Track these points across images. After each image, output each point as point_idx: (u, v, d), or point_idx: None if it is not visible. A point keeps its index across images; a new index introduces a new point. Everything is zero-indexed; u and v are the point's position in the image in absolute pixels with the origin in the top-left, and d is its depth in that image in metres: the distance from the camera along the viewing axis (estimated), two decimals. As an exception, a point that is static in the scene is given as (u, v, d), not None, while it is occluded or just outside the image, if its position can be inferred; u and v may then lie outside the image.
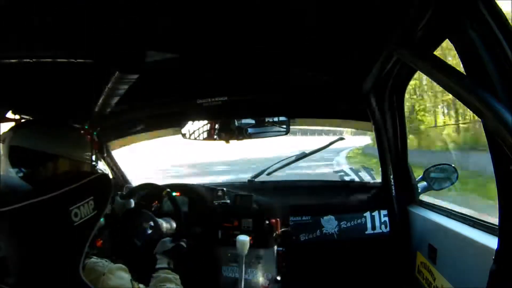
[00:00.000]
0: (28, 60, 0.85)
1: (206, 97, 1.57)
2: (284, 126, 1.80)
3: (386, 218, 1.63)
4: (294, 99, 1.65)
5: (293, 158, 2.03)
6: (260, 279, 1.72)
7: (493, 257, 0.71)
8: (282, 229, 1.68)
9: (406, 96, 1.43)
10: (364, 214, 1.66)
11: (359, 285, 1.76)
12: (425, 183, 1.55)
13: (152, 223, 1.47)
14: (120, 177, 2.11)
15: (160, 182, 1.73)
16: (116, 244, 1.45)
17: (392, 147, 1.48)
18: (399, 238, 1.54)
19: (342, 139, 2.17)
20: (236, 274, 1.69)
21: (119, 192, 1.52)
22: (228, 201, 1.75)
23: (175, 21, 0.83)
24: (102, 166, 1.86)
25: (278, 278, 1.69)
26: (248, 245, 1.50)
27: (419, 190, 1.53)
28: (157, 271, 1.13)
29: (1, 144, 0.80)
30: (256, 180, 2.01)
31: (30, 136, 0.81)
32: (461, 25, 0.63)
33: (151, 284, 1.05)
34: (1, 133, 0.83)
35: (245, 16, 0.97)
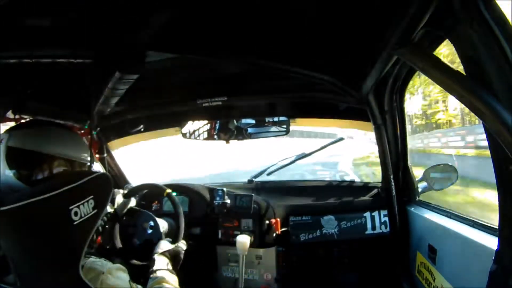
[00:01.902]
0: (28, 60, 0.85)
1: (206, 97, 1.57)
2: (284, 126, 1.80)
3: (386, 218, 1.63)
4: (294, 99, 1.65)
5: (293, 158, 2.03)
6: (260, 279, 1.72)
7: (493, 257, 0.71)
8: (282, 229, 1.68)
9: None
10: (364, 214, 1.66)
11: (359, 285, 1.76)
12: (425, 183, 1.55)
13: (152, 223, 1.47)
14: (120, 177, 2.11)
15: (160, 181, 1.73)
16: (115, 242, 1.45)
17: (392, 147, 1.48)
18: (399, 238, 1.53)
19: (342, 139, 2.17)
20: (236, 274, 1.69)
21: (121, 191, 1.52)
22: (228, 201, 1.75)
23: (175, 20, 0.83)
24: (99, 166, 1.86)
25: (278, 278, 1.70)
26: (248, 245, 1.50)
27: (419, 190, 1.53)
28: (155, 272, 1.13)
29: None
30: (256, 180, 2.01)
31: (26, 137, 0.81)
32: (461, 25, 0.62)
33: (148, 285, 1.05)
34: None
35: (246, 16, 0.97)
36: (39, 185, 0.77)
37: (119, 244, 1.45)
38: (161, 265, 1.18)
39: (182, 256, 1.30)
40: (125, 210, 1.48)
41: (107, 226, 1.40)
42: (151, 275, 1.11)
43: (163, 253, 1.25)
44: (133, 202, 1.53)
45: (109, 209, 1.42)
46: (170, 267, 1.19)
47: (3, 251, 0.71)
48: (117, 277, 0.80)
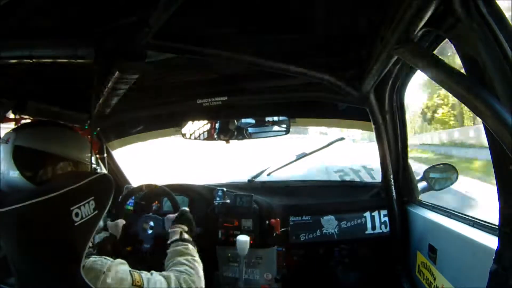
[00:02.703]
0: (28, 60, 0.85)
1: (206, 97, 1.57)
2: (284, 126, 1.80)
3: (386, 218, 1.63)
4: (294, 99, 1.65)
5: (293, 158, 2.03)
6: (260, 279, 1.72)
7: (493, 257, 0.71)
8: (282, 229, 1.68)
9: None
10: (364, 214, 1.66)
11: (359, 285, 1.76)
12: (425, 183, 1.55)
13: (152, 223, 1.47)
14: (120, 178, 2.11)
15: (160, 181, 1.73)
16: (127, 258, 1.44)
17: (392, 147, 1.48)
18: (399, 238, 1.53)
19: (342, 139, 2.17)
20: (236, 274, 1.69)
21: (108, 219, 1.51)
22: (228, 201, 1.75)
23: (175, 20, 0.83)
24: (103, 167, 1.86)
25: (278, 278, 1.70)
26: (248, 245, 1.50)
27: (419, 190, 1.53)
28: (169, 247, 1.11)
29: (3, 144, 0.81)
30: (256, 180, 2.01)
31: (33, 137, 0.82)
32: (461, 25, 0.63)
33: (165, 262, 1.05)
34: (2, 134, 0.84)
35: (246, 16, 0.98)
36: (41, 186, 0.77)
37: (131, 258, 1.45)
38: (174, 236, 1.16)
39: (189, 215, 1.29)
40: (120, 228, 1.47)
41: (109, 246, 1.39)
42: (167, 251, 1.10)
43: (173, 223, 1.25)
44: (122, 221, 1.53)
45: (103, 234, 1.41)
46: (184, 235, 1.16)
47: (4, 251, 0.71)
48: (116, 271, 0.80)
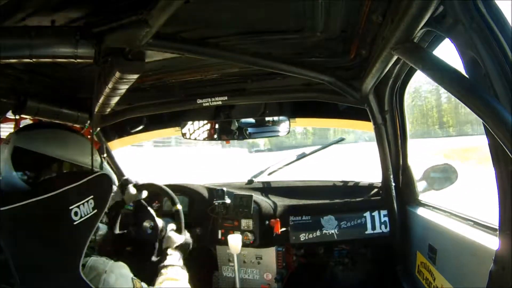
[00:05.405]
0: (28, 60, 0.85)
1: (206, 97, 1.57)
2: (284, 126, 1.80)
3: (386, 218, 1.63)
4: (294, 99, 1.65)
5: (293, 158, 2.03)
6: (260, 279, 1.72)
7: (493, 257, 0.71)
8: (282, 229, 1.68)
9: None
10: (364, 214, 1.66)
11: (359, 285, 1.76)
12: (425, 183, 1.55)
13: (152, 224, 1.47)
14: (120, 177, 2.11)
15: (160, 181, 1.73)
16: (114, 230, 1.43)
17: (392, 147, 1.48)
18: (399, 238, 1.53)
19: (342, 139, 2.18)
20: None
21: (134, 181, 1.49)
22: (228, 201, 1.75)
23: (175, 20, 0.83)
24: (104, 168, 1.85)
25: (278, 278, 1.70)
26: (240, 244, 1.49)
27: (419, 190, 1.53)
28: (166, 268, 1.11)
29: (3, 145, 0.81)
30: (256, 180, 2.01)
31: (34, 138, 0.82)
32: (461, 25, 0.62)
33: (159, 280, 1.04)
34: (2, 133, 0.84)
35: (246, 15, 0.97)
36: (40, 184, 0.77)
37: (117, 230, 1.44)
38: (174, 260, 1.16)
39: (190, 247, 1.30)
40: (133, 200, 1.46)
41: (111, 213, 1.39)
42: (162, 270, 1.09)
43: (177, 248, 1.24)
44: (144, 194, 1.49)
45: (103, 232, 1.41)
46: (181, 262, 1.17)
47: (3, 250, 0.71)
48: (119, 274, 0.80)
